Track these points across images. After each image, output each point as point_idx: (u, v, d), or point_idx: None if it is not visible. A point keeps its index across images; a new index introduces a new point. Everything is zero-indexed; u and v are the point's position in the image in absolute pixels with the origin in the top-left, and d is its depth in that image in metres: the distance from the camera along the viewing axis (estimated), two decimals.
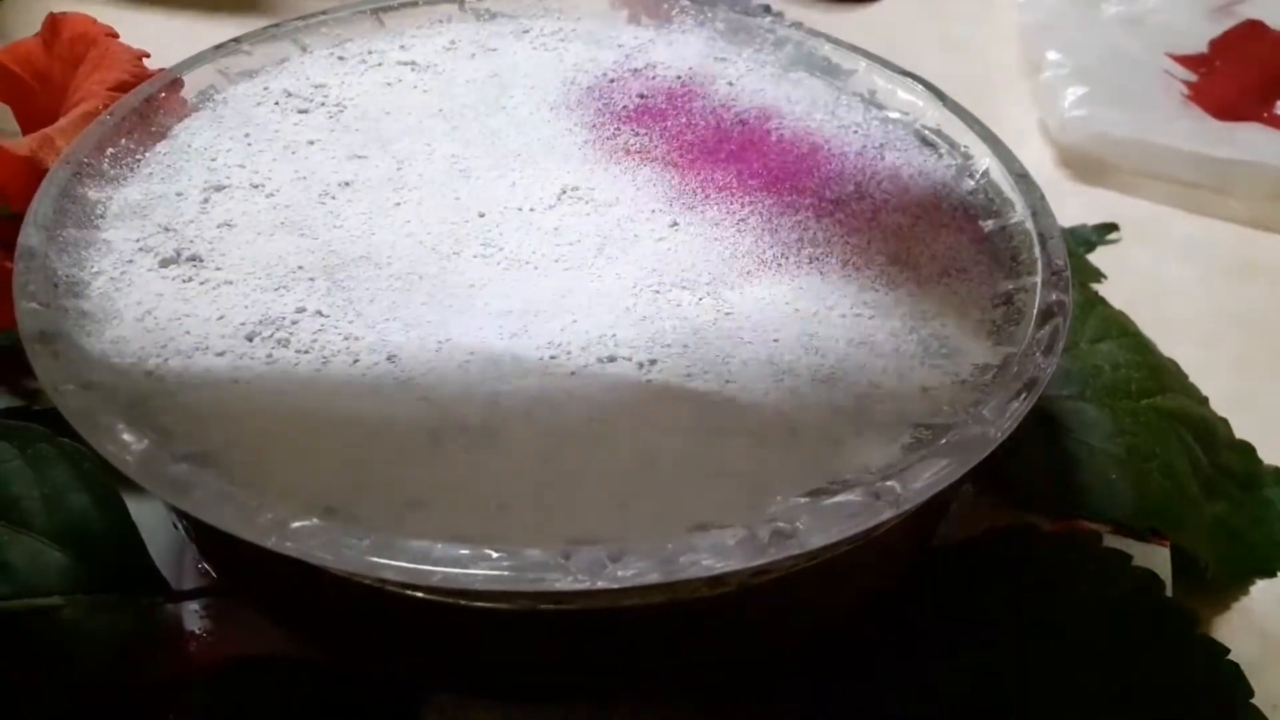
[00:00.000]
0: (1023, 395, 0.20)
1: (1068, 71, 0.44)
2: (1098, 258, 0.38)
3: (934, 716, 0.22)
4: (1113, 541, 0.24)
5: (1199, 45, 0.48)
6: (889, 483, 0.18)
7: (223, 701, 0.22)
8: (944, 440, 0.19)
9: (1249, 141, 0.41)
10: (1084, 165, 0.43)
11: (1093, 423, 0.27)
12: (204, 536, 0.21)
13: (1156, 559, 0.24)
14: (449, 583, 0.16)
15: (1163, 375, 0.29)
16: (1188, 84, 0.46)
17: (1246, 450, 0.30)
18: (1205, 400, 0.30)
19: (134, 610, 0.22)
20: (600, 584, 0.16)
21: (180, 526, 0.22)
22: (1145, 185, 0.42)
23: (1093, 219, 0.40)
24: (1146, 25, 0.48)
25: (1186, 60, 0.47)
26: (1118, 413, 0.27)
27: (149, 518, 0.24)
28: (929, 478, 0.18)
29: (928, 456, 0.19)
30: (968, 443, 0.19)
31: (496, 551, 0.16)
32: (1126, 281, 0.37)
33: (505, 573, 0.16)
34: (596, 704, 0.23)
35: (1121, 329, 0.30)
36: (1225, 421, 0.30)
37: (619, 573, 0.16)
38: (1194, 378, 0.32)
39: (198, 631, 0.23)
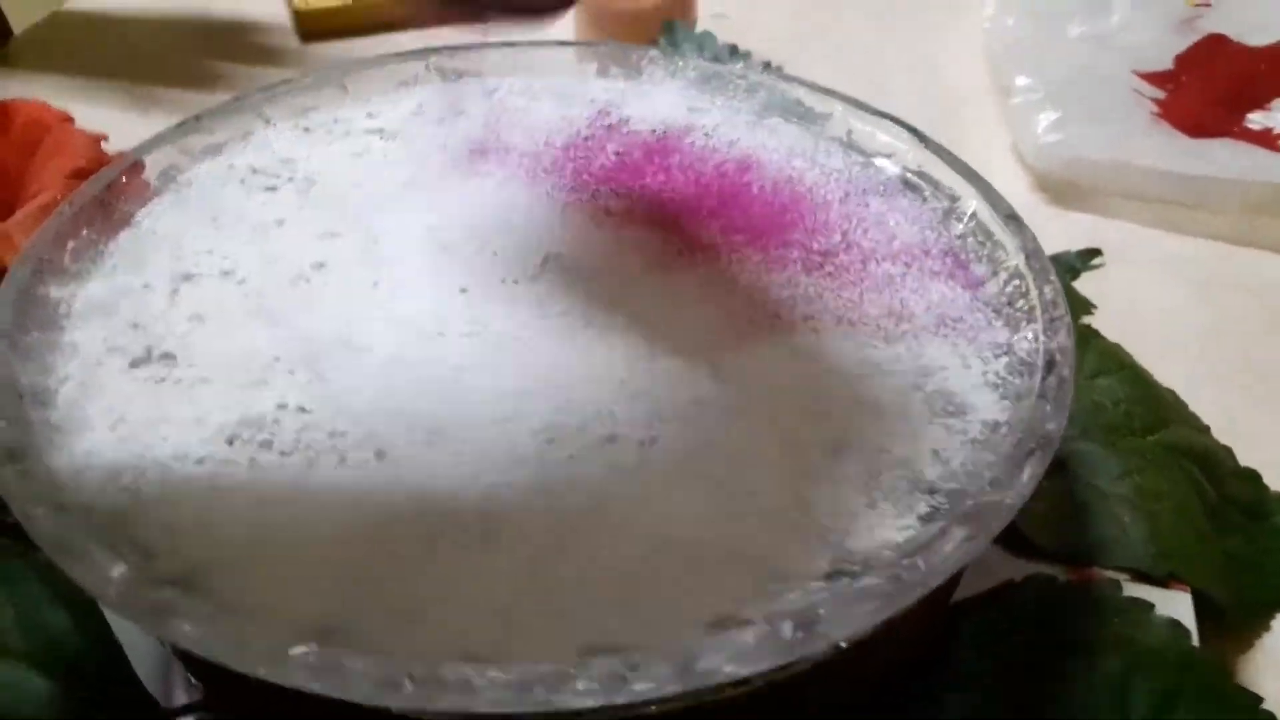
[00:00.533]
0: (1037, 454, 0.19)
1: (1039, 96, 0.44)
2: (1082, 284, 0.38)
3: None
4: (1132, 589, 0.24)
5: (1165, 61, 0.48)
6: (913, 560, 0.17)
7: None
8: (962, 509, 0.18)
9: (1221, 157, 0.41)
10: (1060, 189, 0.43)
11: (1099, 464, 0.26)
12: (193, 656, 0.20)
13: (1179, 606, 0.23)
14: (456, 708, 0.15)
15: (1163, 408, 0.29)
16: (1156, 101, 0.46)
17: (1252, 478, 0.29)
18: (1207, 429, 0.30)
19: None
20: (618, 700, 0.15)
21: (166, 643, 0.21)
22: (1122, 206, 0.42)
23: (1072, 244, 0.40)
24: (1112, 44, 0.48)
25: (1153, 77, 0.47)
26: (1123, 452, 0.27)
27: (131, 631, 0.22)
28: (951, 552, 0.18)
29: (948, 528, 0.18)
30: (987, 510, 0.18)
31: (503, 671, 0.16)
32: (1112, 305, 0.37)
33: (511, 693, 0.15)
34: None
35: (1119, 363, 0.29)
36: (1229, 450, 0.30)
37: (636, 686, 0.16)
38: (1190, 401, 0.31)
39: None
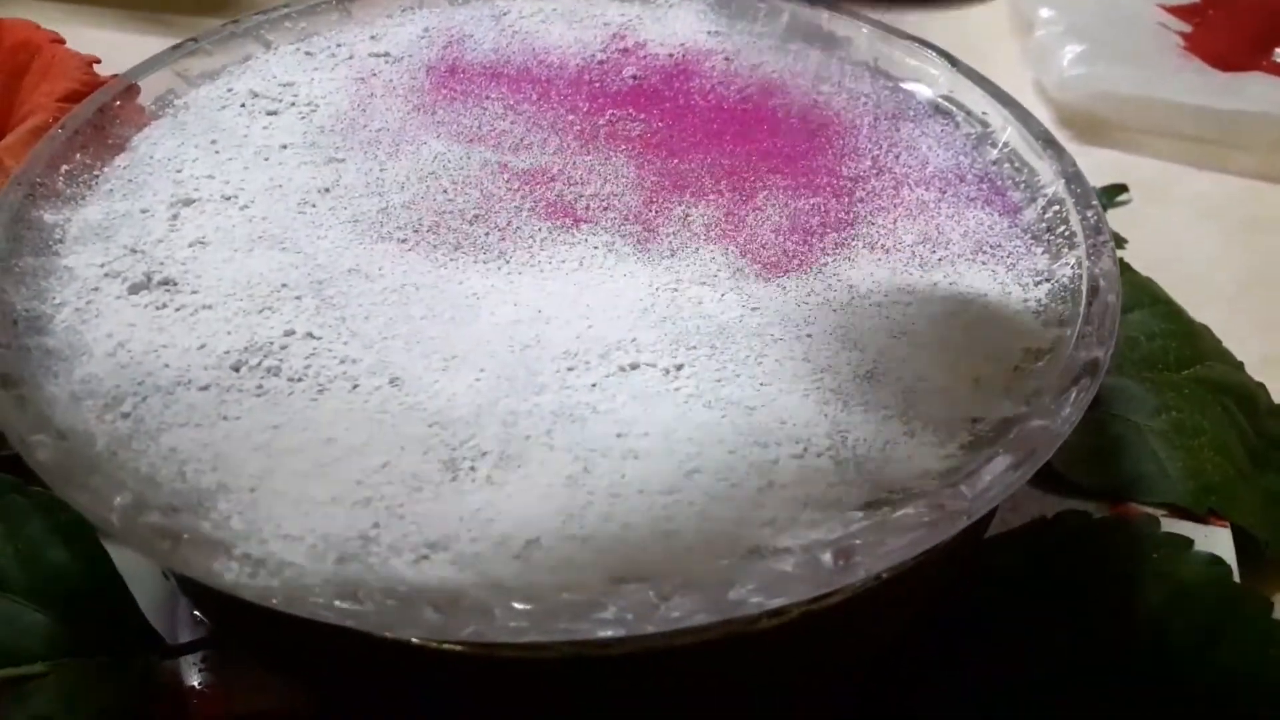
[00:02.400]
0: (1083, 381, 0.19)
1: (1062, 29, 0.43)
2: (1110, 220, 0.37)
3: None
4: (1170, 525, 0.23)
5: None
6: (956, 489, 0.16)
7: None
8: (1007, 437, 0.18)
9: (1255, 92, 0.40)
10: (1084, 125, 0.42)
11: (1134, 398, 0.26)
12: (199, 590, 0.19)
13: (1219, 541, 0.23)
14: (477, 638, 0.15)
15: (1198, 342, 0.28)
16: (1183, 35, 0.44)
17: None
18: (1241, 365, 0.29)
19: (127, 671, 0.20)
20: (649, 628, 0.15)
21: (171, 577, 0.21)
22: (1148, 142, 0.41)
23: (1098, 180, 0.39)
24: None
25: (1179, 10, 0.46)
26: (1159, 386, 0.26)
27: (135, 566, 0.22)
28: (996, 480, 0.17)
29: (993, 456, 0.17)
30: (1033, 437, 0.18)
31: (525, 600, 0.15)
32: (1140, 244, 0.36)
33: (534, 622, 0.15)
34: None
35: (1152, 296, 0.29)
36: (1262, 386, 0.29)
37: (667, 614, 0.15)
38: (1221, 339, 0.30)
39: (198, 686, 0.21)
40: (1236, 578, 0.22)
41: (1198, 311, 0.31)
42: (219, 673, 0.22)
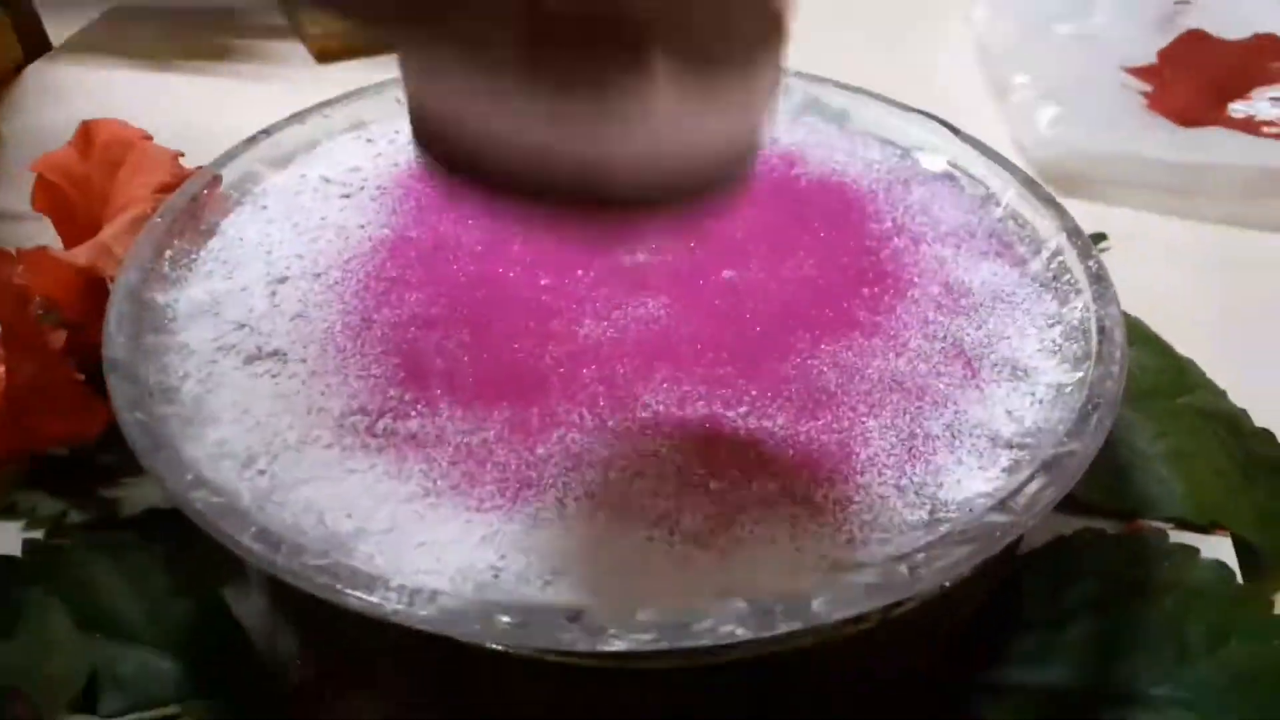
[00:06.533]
0: (1103, 408, 0.21)
1: (1037, 94, 0.46)
2: None
3: None
4: (1178, 537, 0.25)
5: (1149, 57, 0.50)
6: (1007, 505, 0.19)
7: None
8: (1042, 460, 0.20)
9: (1215, 145, 0.43)
10: (1061, 182, 0.45)
11: (1135, 427, 0.28)
12: (318, 627, 0.21)
13: (1222, 549, 0.25)
14: (609, 648, 0.17)
15: (1186, 375, 0.31)
16: (1145, 94, 0.48)
17: (1268, 438, 0.31)
18: (1224, 394, 0.32)
19: (249, 711, 0.22)
20: (764, 634, 0.17)
21: (283, 616, 0.22)
22: (1122, 194, 0.44)
23: None
24: (1099, 41, 0.51)
25: (1139, 72, 0.50)
26: (1156, 415, 0.29)
27: (253, 614, 0.24)
28: (1037, 498, 0.19)
29: (1032, 477, 0.20)
30: (1065, 460, 0.20)
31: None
32: (1120, 287, 0.38)
33: (662, 634, 0.17)
34: None
35: (1142, 335, 0.32)
36: (1245, 412, 0.32)
37: (778, 626, 0.17)
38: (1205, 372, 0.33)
39: None
40: (1240, 580, 0.25)
41: (1179, 347, 0.34)
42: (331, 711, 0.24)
